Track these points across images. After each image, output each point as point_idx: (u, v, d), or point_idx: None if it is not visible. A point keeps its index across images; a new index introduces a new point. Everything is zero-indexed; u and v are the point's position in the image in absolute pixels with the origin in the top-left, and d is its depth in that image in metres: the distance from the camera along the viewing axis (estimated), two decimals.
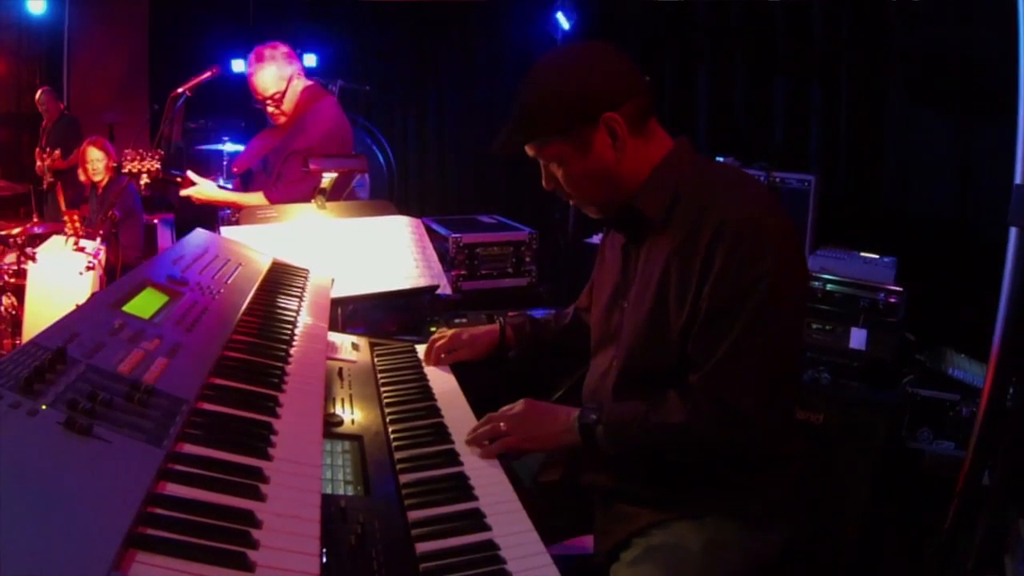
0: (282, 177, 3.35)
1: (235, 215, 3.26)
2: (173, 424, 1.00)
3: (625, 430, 1.52)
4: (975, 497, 2.05)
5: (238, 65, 6.65)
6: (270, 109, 3.46)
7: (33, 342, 1.07)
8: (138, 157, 3.15)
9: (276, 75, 3.38)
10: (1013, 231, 2.02)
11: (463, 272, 3.52)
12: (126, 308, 1.33)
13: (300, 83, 3.47)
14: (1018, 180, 2.00)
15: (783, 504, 1.55)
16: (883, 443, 2.57)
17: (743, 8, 3.84)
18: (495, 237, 3.61)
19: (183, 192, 3.37)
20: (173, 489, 0.90)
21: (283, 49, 3.42)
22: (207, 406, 1.16)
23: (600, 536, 1.66)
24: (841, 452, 2.57)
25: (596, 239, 3.83)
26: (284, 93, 3.39)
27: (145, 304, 1.39)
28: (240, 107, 6.35)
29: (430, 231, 3.17)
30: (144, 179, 3.18)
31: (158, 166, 3.17)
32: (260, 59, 3.38)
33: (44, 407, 0.91)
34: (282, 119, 3.49)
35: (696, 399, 1.45)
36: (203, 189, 3.37)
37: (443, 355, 2.07)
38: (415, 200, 5.88)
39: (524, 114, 1.54)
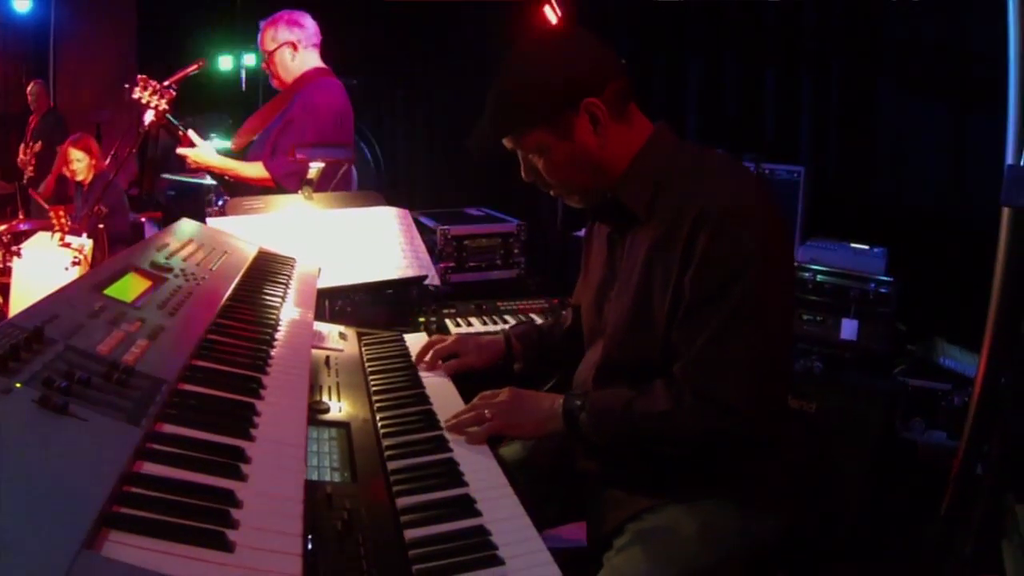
0: (279, 147, 3.31)
1: (222, 207, 3.21)
2: (152, 404, 0.97)
3: (609, 417, 1.50)
4: (970, 483, 2.05)
5: (225, 62, 6.61)
6: (265, 67, 3.54)
7: (10, 322, 1.04)
8: (149, 88, 3.07)
9: (272, 35, 3.45)
10: (1005, 212, 2.01)
11: (451, 264, 3.50)
12: (108, 291, 1.30)
13: (304, 56, 3.48)
14: (1009, 160, 1.99)
15: (780, 489, 1.54)
16: (878, 431, 2.56)
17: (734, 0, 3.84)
18: (483, 229, 3.59)
19: (180, 150, 3.28)
20: (150, 468, 0.87)
21: (296, 18, 3.47)
22: (188, 387, 1.13)
23: (593, 523, 1.64)
24: (836, 440, 2.57)
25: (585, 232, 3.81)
26: (272, 55, 3.44)
27: (127, 288, 1.36)
28: (227, 104, 6.31)
29: (418, 224, 3.15)
30: (150, 115, 3.09)
31: (166, 107, 3.10)
32: (274, 18, 3.47)
33: (18, 385, 0.88)
34: (274, 82, 3.53)
35: (679, 389, 1.43)
36: (201, 152, 3.28)
37: (442, 360, 1.96)
38: (403, 196, 5.84)
39: (502, 105, 1.51)
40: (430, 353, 1.96)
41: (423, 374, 1.91)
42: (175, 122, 3.21)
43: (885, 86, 3.32)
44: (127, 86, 3.15)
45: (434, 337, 2.07)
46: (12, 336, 0.98)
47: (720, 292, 1.38)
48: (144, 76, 3.11)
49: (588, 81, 1.46)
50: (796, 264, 2.90)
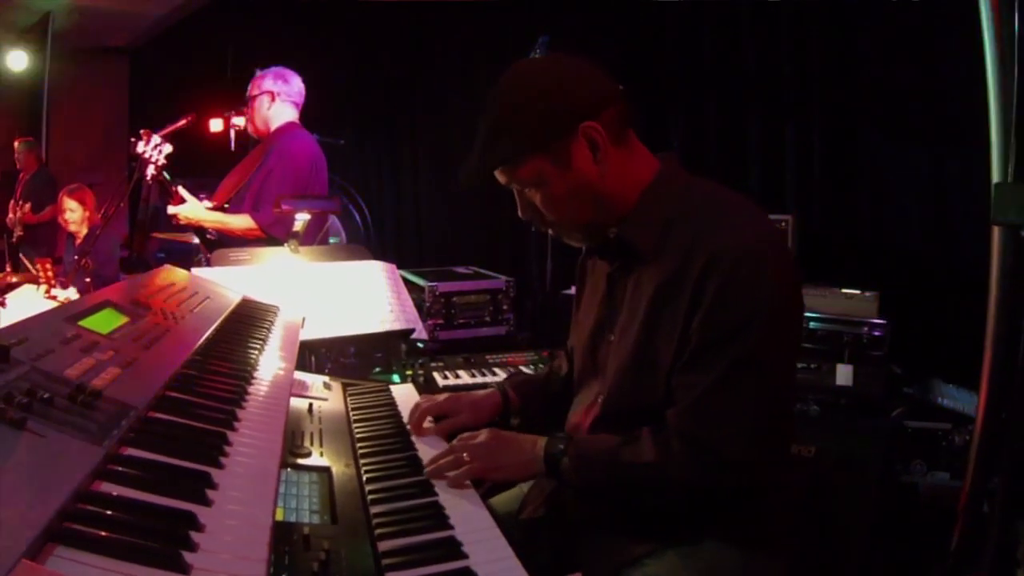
0: (262, 198, 3.36)
1: (207, 259, 3.19)
2: (117, 427, 0.92)
3: (592, 464, 1.44)
4: (978, 515, 1.99)
5: (216, 124, 6.65)
6: (245, 111, 3.70)
7: None
8: (152, 142, 3.11)
9: (258, 83, 3.62)
10: (995, 231, 1.99)
11: (440, 321, 3.47)
12: (83, 322, 1.25)
13: (279, 108, 3.60)
14: (996, 178, 1.98)
15: (781, 530, 1.48)
16: (879, 472, 2.50)
17: (713, 51, 3.91)
18: (472, 286, 3.58)
19: (171, 209, 3.32)
20: (109, 488, 0.82)
21: (283, 74, 3.63)
22: (159, 415, 1.08)
23: (589, 571, 1.56)
24: (836, 484, 2.50)
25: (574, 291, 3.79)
26: (252, 100, 3.60)
27: (104, 321, 1.31)
28: (217, 166, 6.32)
29: (406, 281, 3.12)
30: (151, 170, 3.13)
31: (164, 162, 3.15)
32: (267, 70, 3.66)
33: None
34: (249, 127, 3.71)
35: (668, 438, 1.37)
36: (192, 208, 3.33)
37: (433, 420, 1.80)
38: (391, 254, 5.85)
39: (494, 132, 1.42)
40: (418, 415, 1.80)
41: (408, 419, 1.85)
42: (168, 178, 3.23)
43: (865, 130, 3.36)
44: (132, 139, 3.21)
45: (423, 397, 1.93)
46: None
47: (727, 339, 1.31)
48: (147, 130, 3.17)
49: (584, 104, 1.38)
50: None
